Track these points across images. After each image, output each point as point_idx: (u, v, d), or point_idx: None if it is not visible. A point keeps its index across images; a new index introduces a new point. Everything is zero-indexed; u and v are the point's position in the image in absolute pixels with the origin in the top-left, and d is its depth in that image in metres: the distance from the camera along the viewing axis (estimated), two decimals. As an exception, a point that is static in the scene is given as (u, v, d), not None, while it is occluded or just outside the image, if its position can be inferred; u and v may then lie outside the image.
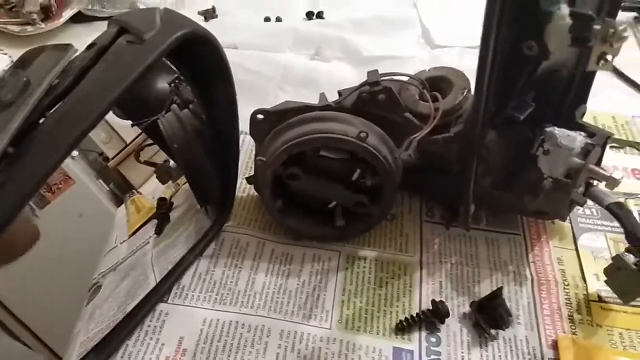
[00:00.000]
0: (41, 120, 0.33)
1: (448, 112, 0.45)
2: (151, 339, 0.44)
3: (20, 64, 0.38)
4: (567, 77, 0.43)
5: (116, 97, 0.34)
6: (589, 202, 0.46)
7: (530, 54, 0.34)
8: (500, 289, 0.46)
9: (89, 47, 0.37)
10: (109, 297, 0.55)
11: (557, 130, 0.42)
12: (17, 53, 0.65)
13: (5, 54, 0.63)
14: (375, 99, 0.45)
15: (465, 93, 0.45)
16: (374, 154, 0.43)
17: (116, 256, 0.65)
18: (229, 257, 0.50)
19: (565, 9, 0.30)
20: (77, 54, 0.37)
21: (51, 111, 0.33)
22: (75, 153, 1.15)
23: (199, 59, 0.42)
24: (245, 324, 0.45)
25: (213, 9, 0.89)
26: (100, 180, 1.19)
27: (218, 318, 0.45)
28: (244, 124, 0.48)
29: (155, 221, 0.65)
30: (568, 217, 0.52)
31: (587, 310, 0.46)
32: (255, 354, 0.43)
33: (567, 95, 0.45)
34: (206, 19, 0.87)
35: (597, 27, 0.30)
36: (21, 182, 0.31)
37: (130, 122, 0.95)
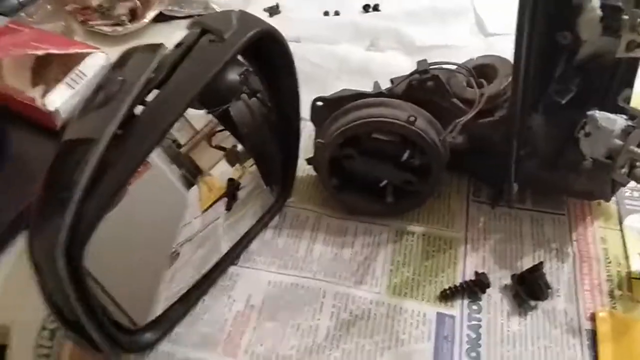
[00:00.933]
0: (142, 108, 0.40)
1: (493, 97, 0.48)
2: (224, 295, 0.51)
3: (120, 62, 0.45)
4: (612, 62, 0.45)
5: (202, 87, 0.40)
6: (638, 185, 0.48)
7: (565, 43, 0.37)
8: (541, 263, 0.49)
9: (177, 45, 0.43)
10: (186, 262, 0.63)
11: (597, 113, 0.45)
12: (109, 51, 0.74)
13: (103, 52, 0.72)
14: (424, 86, 0.49)
15: (510, 79, 0.48)
16: (421, 136, 0.47)
17: (191, 230, 0.73)
18: (291, 228, 0.57)
19: (596, 2, 0.33)
20: (167, 51, 0.44)
21: (150, 100, 0.40)
22: (152, 140, 1.27)
23: (268, 54, 0.47)
24: (305, 286, 0.51)
25: (277, 5, 0.95)
26: (174, 165, 1.30)
27: (281, 280, 0.52)
28: (304, 111, 0.54)
29: (225, 199, 0.73)
30: (614, 199, 0.54)
31: (628, 286, 0.48)
32: (312, 312, 0.49)
33: (613, 80, 0.47)
34: (271, 15, 0.94)
35: (625, 17, 0.32)
36: (131, 156, 0.38)
37: (201, 111, 1.05)
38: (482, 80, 0.49)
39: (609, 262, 0.50)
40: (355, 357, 0.46)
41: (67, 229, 0.34)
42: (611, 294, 0.48)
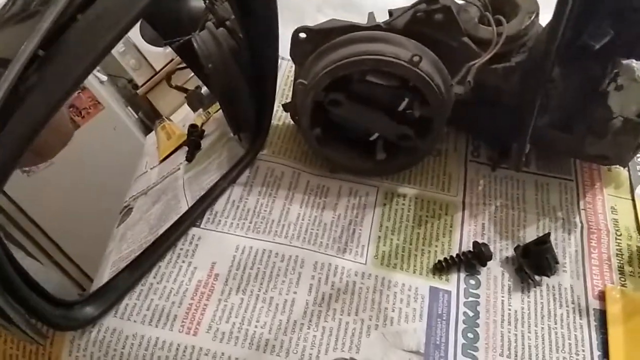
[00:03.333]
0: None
1: (511, 39, 0.41)
2: (183, 262, 0.43)
3: None
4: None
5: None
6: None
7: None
8: (548, 235, 0.43)
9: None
10: (140, 219, 0.54)
11: (635, 63, 0.38)
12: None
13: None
14: (432, 19, 0.40)
15: (532, 17, 0.41)
16: (426, 81, 0.39)
17: (147, 181, 0.64)
18: (263, 185, 0.48)
19: None
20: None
21: (83, 14, 0.31)
22: (104, 78, 1.14)
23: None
24: (279, 253, 0.44)
25: None
26: (129, 108, 1.18)
27: (251, 245, 0.44)
28: (280, 47, 0.45)
29: (185, 148, 0.64)
30: (627, 166, 0.48)
31: (640, 262, 0.44)
32: (288, 284, 0.42)
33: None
34: None
35: None
36: (52, 85, 0.29)
37: (160, 48, 0.91)
38: (500, 17, 0.41)
39: (619, 235, 0.45)
40: (337, 337, 0.39)
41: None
42: (621, 270, 0.43)
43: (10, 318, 0.30)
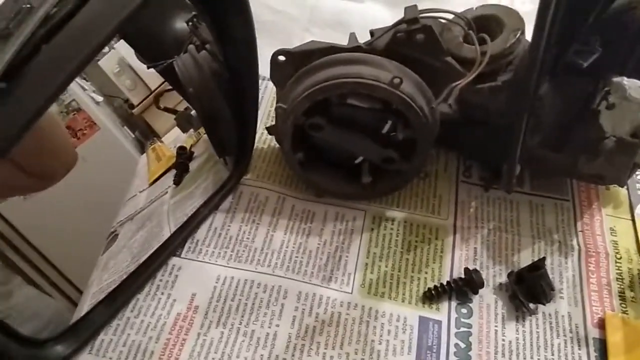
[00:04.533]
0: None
1: (496, 57, 0.39)
2: (162, 293, 0.42)
3: None
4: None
5: (117, 26, 0.30)
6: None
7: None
8: (542, 260, 0.41)
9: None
10: (123, 247, 0.53)
11: (626, 81, 0.36)
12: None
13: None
14: (413, 40, 0.39)
15: (518, 35, 0.39)
16: (408, 104, 0.38)
17: (134, 205, 0.63)
18: (247, 212, 0.47)
19: None
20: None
21: (48, 44, 0.30)
22: (99, 98, 1.14)
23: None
24: (261, 284, 0.42)
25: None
26: (126, 128, 1.18)
27: (232, 276, 0.43)
28: (265, 69, 0.44)
29: (174, 170, 0.63)
30: (626, 184, 0.46)
31: (642, 287, 0.41)
32: (270, 316, 0.40)
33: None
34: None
35: None
36: (10, 120, 0.28)
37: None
38: (484, 35, 0.39)
39: (619, 258, 0.43)
40: (320, 374, 0.38)
41: None
42: (622, 296, 0.41)
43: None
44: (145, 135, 1.17)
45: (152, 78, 1.12)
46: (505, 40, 0.39)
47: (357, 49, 0.40)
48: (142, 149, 1.14)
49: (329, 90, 0.38)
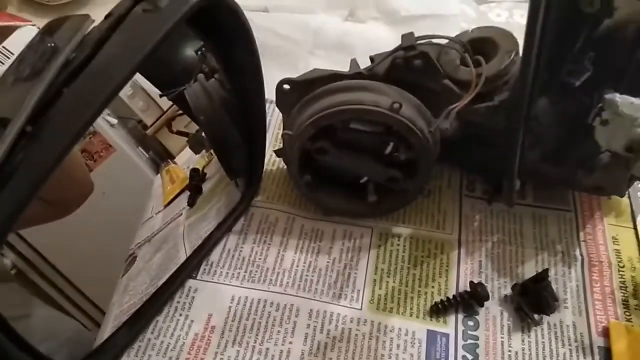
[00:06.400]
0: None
1: (492, 78, 0.40)
2: (180, 315, 0.44)
3: (44, 35, 0.37)
4: (635, 35, 0.38)
5: (132, 70, 0.32)
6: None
7: (591, 11, 0.29)
8: (546, 271, 0.42)
9: (107, 17, 0.35)
10: (142, 269, 0.55)
11: (618, 97, 0.37)
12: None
13: (35, 25, 0.62)
14: (411, 65, 0.41)
15: (512, 56, 0.41)
16: (408, 127, 0.40)
17: (151, 227, 0.65)
18: (258, 233, 0.49)
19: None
20: (95, 24, 0.36)
21: (68, 87, 0.32)
22: (114, 121, 1.17)
23: (219, 25, 0.39)
24: (274, 303, 0.44)
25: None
26: (140, 148, 1.21)
27: (246, 296, 0.44)
28: (273, 93, 0.46)
29: (188, 193, 0.65)
30: (627, 193, 0.47)
31: (645, 295, 0.42)
32: (283, 334, 0.42)
33: (633, 57, 0.39)
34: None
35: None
36: (40, 161, 0.30)
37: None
38: (479, 57, 0.41)
39: (622, 267, 0.44)
40: (333, 389, 0.39)
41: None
42: (626, 304, 0.42)
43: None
44: (159, 155, 1.19)
45: (164, 99, 1.15)
46: (500, 62, 0.41)
47: (358, 75, 0.42)
48: (157, 169, 1.17)
49: (333, 117, 0.40)
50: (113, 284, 0.59)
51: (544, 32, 0.31)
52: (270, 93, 0.45)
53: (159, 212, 0.69)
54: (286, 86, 0.44)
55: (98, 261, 1.11)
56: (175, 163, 0.83)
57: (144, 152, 1.22)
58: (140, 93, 1.16)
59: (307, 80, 0.43)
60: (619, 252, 0.45)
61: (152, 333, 0.43)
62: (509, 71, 0.41)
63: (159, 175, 0.84)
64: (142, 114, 1.18)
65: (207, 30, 0.40)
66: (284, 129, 0.46)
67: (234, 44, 0.42)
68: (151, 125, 1.18)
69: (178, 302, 0.45)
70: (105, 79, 0.32)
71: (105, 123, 1.12)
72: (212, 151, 0.68)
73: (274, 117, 0.59)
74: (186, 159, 0.82)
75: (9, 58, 0.58)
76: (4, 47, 0.57)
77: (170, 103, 1.17)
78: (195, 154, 0.69)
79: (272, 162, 0.54)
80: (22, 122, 0.30)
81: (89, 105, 0.31)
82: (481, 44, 0.42)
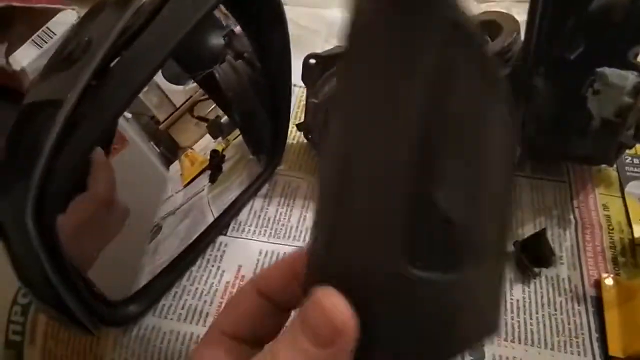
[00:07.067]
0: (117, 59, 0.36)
1: (496, 55, 0.46)
2: (212, 266, 0.48)
3: (88, 18, 0.41)
4: (622, 15, 0.43)
5: (182, 37, 0.36)
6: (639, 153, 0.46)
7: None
8: (544, 230, 0.47)
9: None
10: (170, 234, 0.59)
11: (607, 70, 0.43)
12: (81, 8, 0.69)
13: (74, 9, 0.67)
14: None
15: (514, 35, 0.46)
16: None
17: (173, 203, 0.69)
18: (282, 197, 0.53)
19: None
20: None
21: (127, 50, 0.37)
22: (128, 115, 1.22)
23: (256, 4, 0.44)
24: (298, 256, 0.48)
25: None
26: (152, 143, 1.25)
27: (272, 249, 0.49)
28: (293, 76, 0.50)
29: (208, 172, 0.69)
30: (615, 166, 0.53)
31: (632, 253, 0.47)
32: (307, 282, 0.46)
33: (622, 35, 0.45)
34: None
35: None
36: (106, 108, 0.34)
37: (180, 86, 1.00)
38: (486, 36, 0.46)
39: (612, 229, 0.49)
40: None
41: (35, 189, 0.30)
42: (615, 261, 0.47)
43: (70, 308, 0.35)
44: (171, 151, 1.23)
45: (177, 95, 1.19)
46: (503, 40, 0.46)
47: (377, 51, 0.47)
48: (168, 163, 1.21)
49: (355, 86, 0.45)
50: (122, 273, 0.61)
51: (545, 7, 0.36)
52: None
53: (179, 191, 0.74)
54: (312, 60, 0.49)
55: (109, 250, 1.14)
56: (193, 149, 0.87)
57: (155, 147, 1.26)
58: (154, 89, 1.20)
59: (331, 55, 0.48)
60: (609, 217, 0.50)
61: (187, 280, 0.47)
62: (511, 48, 0.46)
63: (176, 162, 0.89)
64: (155, 109, 1.23)
65: (243, 8, 0.45)
66: (307, 100, 0.50)
67: (267, 22, 0.47)
68: (164, 121, 1.23)
69: (210, 255, 0.49)
70: (160, 43, 0.36)
71: (121, 117, 1.17)
72: (228, 138, 0.73)
73: (293, 98, 0.63)
74: (202, 147, 0.86)
75: (51, 38, 0.63)
76: (48, 28, 0.62)
77: (183, 99, 1.22)
78: (214, 138, 0.74)
79: (292, 136, 0.59)
80: (88, 76, 0.34)
81: (149, 63, 0.35)
82: (486, 26, 0.48)
